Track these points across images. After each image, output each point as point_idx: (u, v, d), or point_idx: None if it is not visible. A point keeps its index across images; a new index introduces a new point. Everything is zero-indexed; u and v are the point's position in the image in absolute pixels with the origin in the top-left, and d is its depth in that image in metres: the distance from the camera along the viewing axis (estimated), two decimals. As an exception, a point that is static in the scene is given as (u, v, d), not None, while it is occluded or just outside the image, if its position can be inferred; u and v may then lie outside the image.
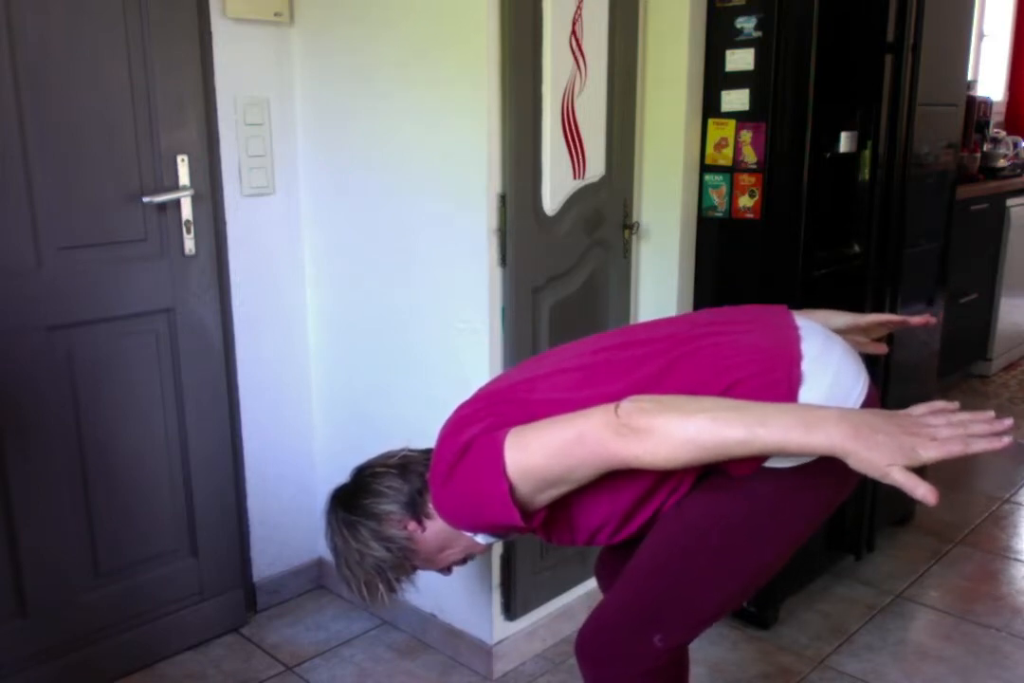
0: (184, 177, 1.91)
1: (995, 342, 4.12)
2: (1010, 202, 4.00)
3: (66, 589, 1.90)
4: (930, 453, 1.00)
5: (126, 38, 1.79)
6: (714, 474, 1.22)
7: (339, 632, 2.17)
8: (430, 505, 1.35)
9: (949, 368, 3.65)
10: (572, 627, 2.06)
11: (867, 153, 2.14)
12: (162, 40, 1.84)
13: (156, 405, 1.97)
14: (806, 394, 1.16)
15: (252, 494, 2.20)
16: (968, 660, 2.04)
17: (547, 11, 1.74)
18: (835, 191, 2.11)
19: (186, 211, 1.93)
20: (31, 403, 1.79)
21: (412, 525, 1.37)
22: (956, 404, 1.07)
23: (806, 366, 1.18)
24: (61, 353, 1.81)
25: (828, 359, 1.22)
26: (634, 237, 2.10)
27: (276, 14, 2.00)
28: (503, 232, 1.76)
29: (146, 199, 1.85)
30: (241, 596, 2.19)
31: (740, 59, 1.94)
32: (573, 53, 1.82)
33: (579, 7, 1.81)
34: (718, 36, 1.97)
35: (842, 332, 1.38)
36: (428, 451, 1.38)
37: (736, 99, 1.97)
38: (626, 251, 2.09)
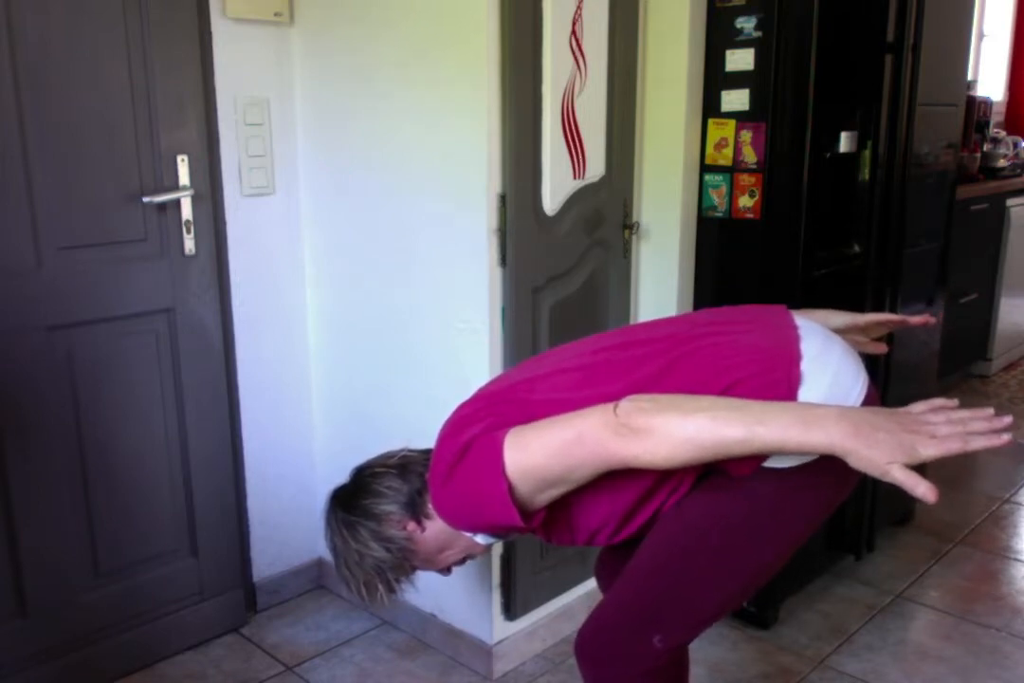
0: (184, 177, 1.91)
1: (995, 342, 4.12)
2: (1010, 202, 4.00)
3: (66, 589, 1.90)
4: (930, 451, 1.00)
5: (126, 38, 1.79)
6: (714, 474, 1.22)
7: (339, 632, 2.17)
8: (430, 505, 1.34)
9: (949, 368, 3.65)
10: (572, 627, 2.06)
11: (867, 153, 2.14)
12: (162, 40, 1.84)
13: (156, 405, 1.97)
14: (805, 394, 1.16)
15: (252, 494, 2.20)
16: (968, 660, 2.04)
17: (547, 11, 1.74)
18: (835, 191, 2.11)
19: (186, 211, 1.93)
20: (31, 403, 1.79)
21: (411, 525, 1.37)
22: (955, 401, 1.07)
23: (805, 366, 1.18)
24: (61, 353, 1.81)
25: (827, 359, 1.22)
26: (634, 237, 2.10)
27: (276, 14, 2.00)
28: (503, 232, 1.76)
29: (146, 199, 1.85)
30: (241, 596, 2.19)
31: (740, 59, 1.94)
32: (573, 53, 1.82)
33: (579, 7, 1.81)
34: (718, 36, 1.97)
35: (841, 332, 1.38)
36: (428, 451, 1.38)
37: (736, 99, 1.97)
38: (626, 251, 2.09)
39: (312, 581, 2.37)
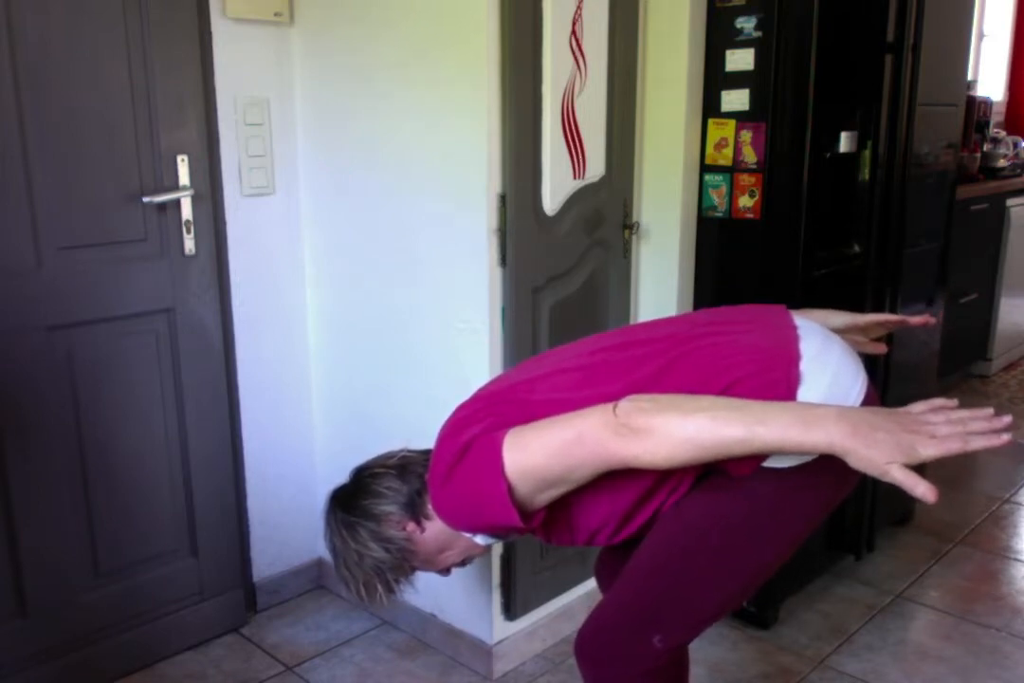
0: (184, 177, 1.91)
1: (995, 342, 4.12)
2: (1010, 202, 4.00)
3: (66, 589, 1.90)
4: (929, 451, 1.00)
5: (126, 38, 1.79)
6: (713, 474, 1.22)
7: (339, 632, 2.17)
8: (429, 506, 1.34)
9: (949, 368, 3.65)
10: (572, 627, 2.06)
11: (867, 153, 2.14)
12: (162, 40, 1.84)
13: (156, 405, 1.97)
14: (805, 394, 1.16)
15: (252, 494, 2.20)
16: (968, 660, 2.04)
17: (547, 11, 1.74)
18: (835, 191, 2.11)
19: (186, 211, 1.93)
20: (31, 403, 1.79)
21: (411, 526, 1.36)
22: (955, 401, 1.07)
23: (805, 366, 1.18)
24: (61, 353, 1.81)
25: (827, 359, 1.22)
26: (634, 237, 2.10)
27: (276, 14, 2.00)
28: (503, 232, 1.76)
29: (146, 199, 1.85)
30: (241, 596, 2.19)
31: (740, 59, 1.94)
32: (573, 53, 1.82)
33: (579, 7, 1.81)
34: (718, 36, 1.97)
35: (841, 332, 1.38)
36: (427, 452, 1.37)
37: (736, 99, 1.97)
38: (626, 251, 2.09)
39: (312, 581, 2.37)
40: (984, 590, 2.35)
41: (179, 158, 1.90)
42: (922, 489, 0.98)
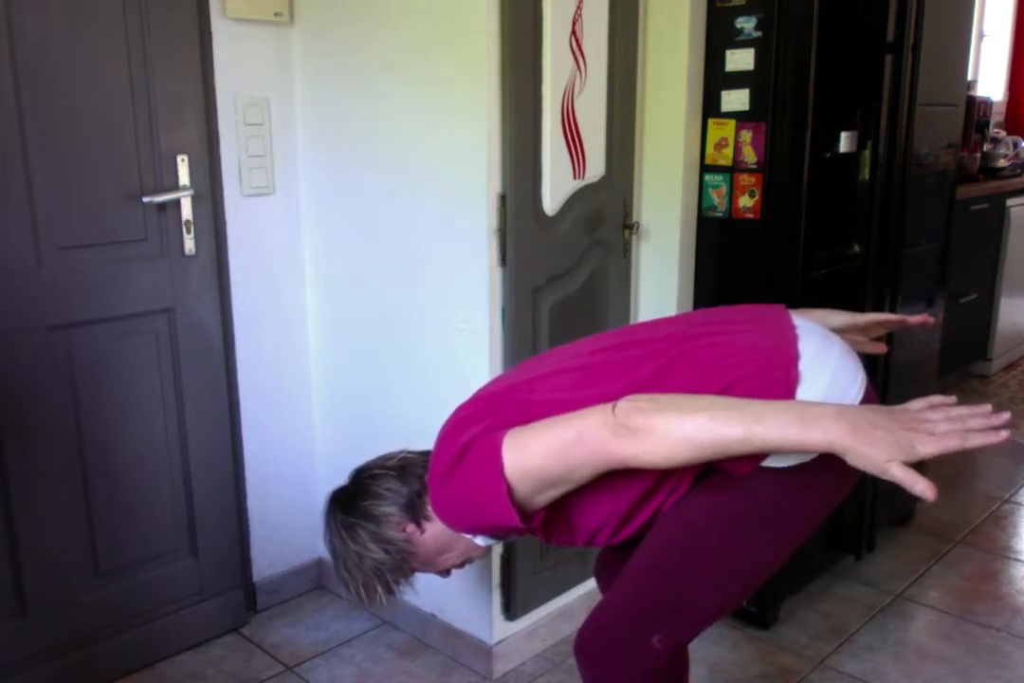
0: (184, 177, 1.91)
1: (995, 342, 4.12)
2: (1010, 202, 4.00)
3: (66, 589, 1.90)
4: (928, 448, 1.00)
5: (126, 38, 1.79)
6: (713, 473, 1.22)
7: (339, 632, 2.17)
8: (429, 507, 1.34)
9: (949, 368, 3.65)
10: (572, 627, 2.06)
11: (867, 153, 2.14)
12: (162, 40, 1.84)
13: (156, 405, 1.97)
14: (804, 394, 1.16)
15: (252, 494, 2.20)
16: (968, 660, 2.04)
17: (547, 11, 1.74)
18: (835, 191, 2.11)
19: (186, 211, 1.93)
20: (31, 403, 1.79)
21: (411, 527, 1.36)
22: (953, 398, 1.07)
23: (804, 366, 1.19)
24: (61, 353, 1.81)
25: (826, 359, 1.22)
26: (634, 237, 2.10)
27: (276, 14, 2.00)
28: (503, 232, 1.76)
29: (146, 199, 1.85)
30: (241, 596, 2.19)
31: (740, 59, 1.94)
32: (573, 53, 1.82)
33: (579, 7, 1.81)
34: (718, 36, 1.97)
35: (840, 331, 1.38)
36: (427, 453, 1.37)
37: (736, 99, 1.97)
38: (626, 251, 2.09)
39: (312, 581, 2.37)
40: (984, 590, 2.35)
41: (179, 158, 1.90)
42: (921, 486, 0.98)
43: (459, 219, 1.79)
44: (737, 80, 1.96)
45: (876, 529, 2.46)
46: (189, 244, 1.95)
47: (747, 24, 1.91)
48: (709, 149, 2.04)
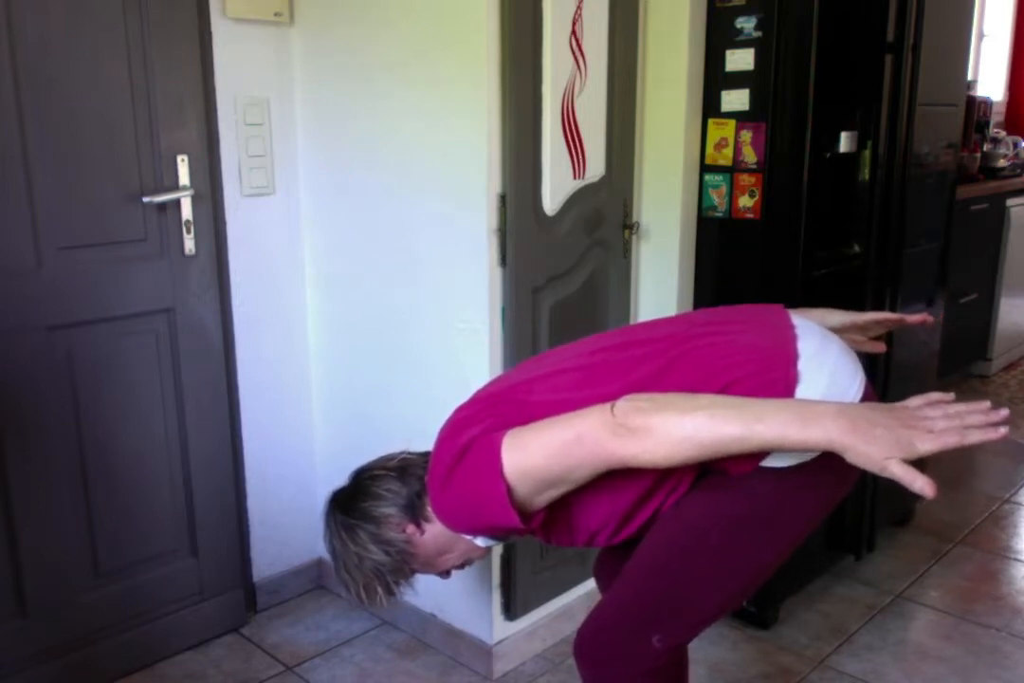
0: (184, 177, 1.91)
1: (995, 342, 4.12)
2: (1010, 202, 4.00)
3: (66, 589, 1.90)
4: (927, 445, 1.00)
5: (126, 38, 1.79)
6: (713, 473, 1.22)
7: (339, 632, 2.17)
8: (429, 508, 1.34)
9: (949, 368, 3.65)
10: (572, 627, 2.06)
11: (867, 153, 2.14)
12: (162, 40, 1.84)
13: (156, 405, 1.97)
14: (803, 393, 1.16)
15: (252, 494, 2.20)
16: (968, 660, 2.04)
17: (547, 11, 1.74)
18: (835, 191, 2.11)
19: (186, 211, 1.93)
20: (31, 403, 1.79)
21: (411, 528, 1.36)
22: (951, 395, 1.07)
23: (803, 365, 1.19)
24: (61, 353, 1.81)
25: (825, 358, 1.22)
26: (634, 237, 2.10)
27: (276, 14, 2.00)
28: (503, 232, 1.76)
29: (146, 199, 1.85)
30: (241, 596, 2.19)
31: (740, 59, 1.94)
32: (573, 53, 1.82)
33: (579, 7, 1.81)
34: (718, 36, 1.97)
35: (839, 331, 1.38)
36: (427, 454, 1.37)
37: (736, 99, 1.97)
38: (626, 251, 2.09)
39: (312, 581, 2.37)
40: (984, 590, 2.35)
41: (179, 158, 1.90)
42: (920, 483, 0.98)
43: (459, 219, 1.79)
44: (737, 80, 1.96)
45: (876, 529, 2.46)
46: (189, 244, 1.95)
47: (747, 24, 1.91)
48: (709, 149, 2.04)
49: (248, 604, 2.23)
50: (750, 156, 1.97)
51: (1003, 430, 1.00)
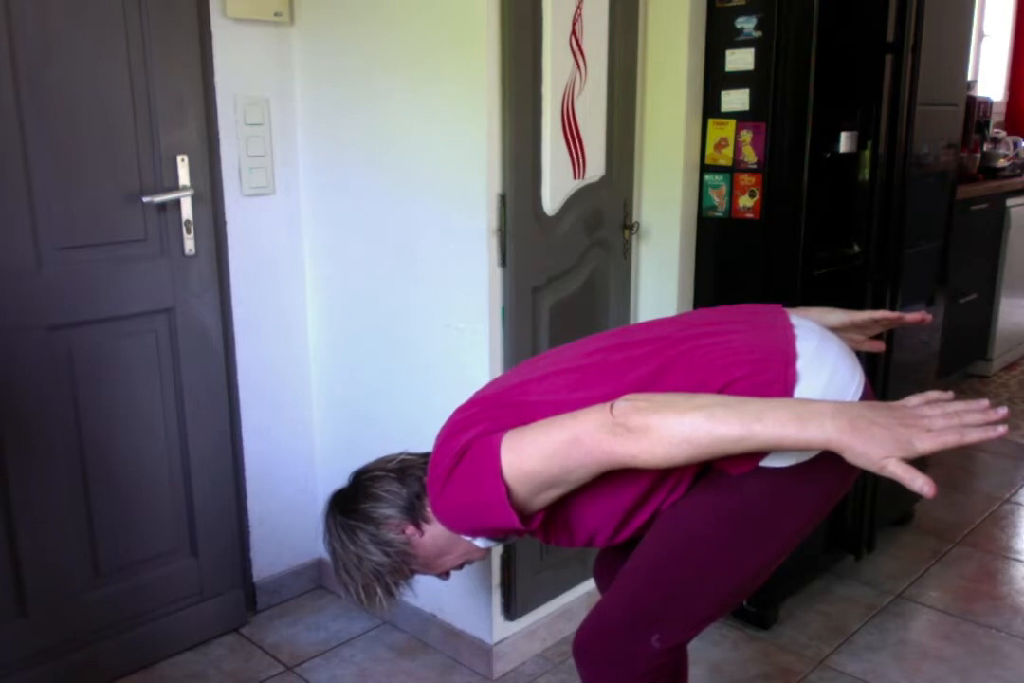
0: (184, 177, 1.91)
1: (995, 342, 4.12)
2: (1010, 202, 4.00)
3: (66, 589, 1.90)
4: (926, 444, 0.99)
5: (126, 38, 1.79)
6: (712, 473, 1.22)
7: (339, 632, 2.17)
8: (428, 509, 1.34)
9: (949, 368, 3.65)
10: (572, 627, 2.06)
11: (867, 153, 2.14)
12: (162, 40, 1.84)
13: (156, 405, 1.97)
14: (801, 393, 1.16)
15: (252, 494, 2.20)
16: (968, 660, 2.04)
17: (547, 11, 1.74)
18: (835, 191, 2.11)
19: (186, 211, 1.93)
20: (31, 403, 1.79)
21: (410, 529, 1.36)
22: (950, 394, 1.06)
23: (801, 365, 1.18)
24: (61, 353, 1.81)
25: (824, 358, 1.22)
26: (634, 237, 2.10)
27: (276, 14, 2.00)
28: (503, 232, 1.76)
29: (146, 199, 1.85)
30: (241, 596, 2.19)
31: (740, 59, 1.94)
32: (573, 53, 1.82)
33: (579, 7, 1.81)
34: (718, 36, 1.97)
35: (838, 330, 1.38)
36: (426, 455, 1.37)
37: (736, 99, 1.97)
38: (626, 251, 2.09)
39: (312, 581, 2.37)
40: (984, 590, 2.35)
41: (179, 158, 1.90)
42: (920, 482, 0.98)
43: (459, 219, 1.79)
44: (737, 80, 1.96)
45: (876, 529, 2.46)
46: (189, 244, 1.95)
47: (747, 24, 1.91)
48: (709, 149, 2.04)
49: (248, 604, 2.23)
50: (750, 156, 1.97)
51: (1002, 429, 1.00)
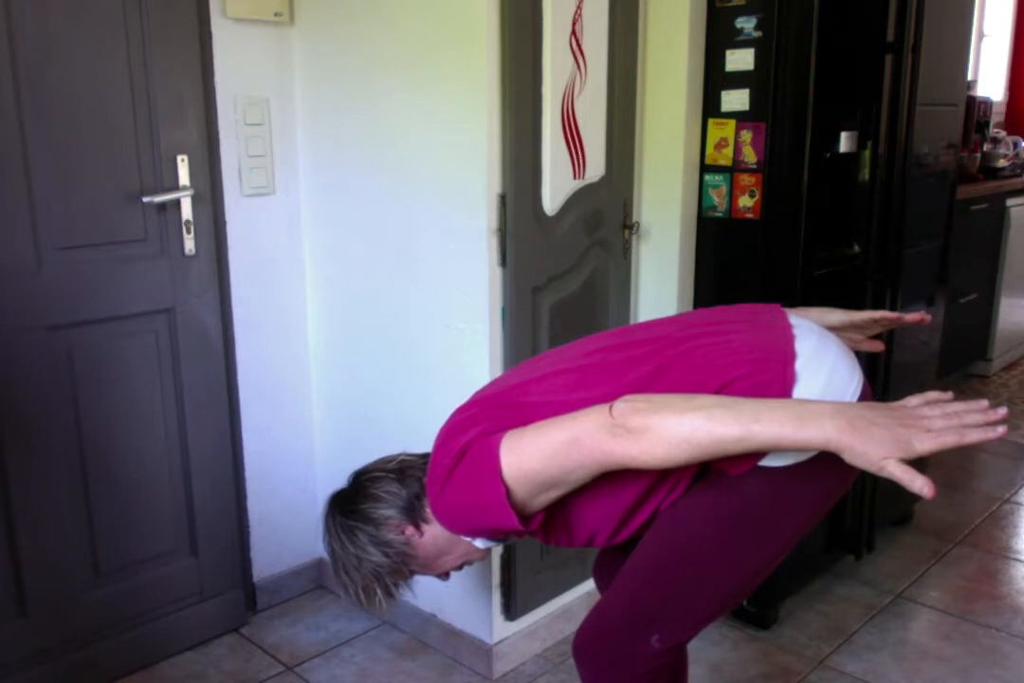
0: (184, 177, 1.91)
1: (995, 342, 4.13)
2: (1010, 202, 4.00)
3: (66, 589, 1.90)
4: (925, 445, 0.99)
5: (126, 38, 1.79)
6: (711, 473, 1.22)
7: (339, 632, 2.17)
8: (428, 510, 1.34)
9: (949, 368, 3.65)
10: (572, 627, 2.06)
11: (867, 153, 2.14)
12: (162, 40, 1.84)
13: (156, 405, 1.97)
14: (800, 393, 1.16)
15: (252, 494, 2.20)
16: (968, 660, 2.04)
17: (547, 11, 1.74)
18: (835, 191, 2.11)
19: (186, 211, 1.93)
20: (31, 403, 1.79)
21: (410, 530, 1.36)
22: (950, 394, 1.06)
23: (800, 365, 1.18)
24: (61, 353, 1.81)
25: (823, 358, 1.22)
26: (634, 237, 2.10)
27: (276, 14, 2.00)
28: (503, 232, 1.76)
29: (146, 199, 1.85)
30: (241, 596, 2.19)
31: (740, 59, 1.94)
32: (573, 53, 1.82)
33: (579, 7, 1.81)
34: (718, 36, 1.97)
35: (837, 329, 1.38)
36: (426, 456, 1.37)
37: (736, 99, 1.97)
38: (626, 251, 2.09)
39: (312, 581, 2.37)
40: (984, 590, 2.35)
41: (179, 158, 1.90)
42: (919, 483, 0.98)
43: (459, 219, 1.79)
44: (737, 80, 1.96)
45: (876, 529, 2.46)
46: (189, 244, 1.95)
47: (747, 24, 1.91)
48: (709, 149, 2.04)
49: (248, 604, 2.23)
50: (750, 156, 1.97)
51: (1001, 429, 1.00)
